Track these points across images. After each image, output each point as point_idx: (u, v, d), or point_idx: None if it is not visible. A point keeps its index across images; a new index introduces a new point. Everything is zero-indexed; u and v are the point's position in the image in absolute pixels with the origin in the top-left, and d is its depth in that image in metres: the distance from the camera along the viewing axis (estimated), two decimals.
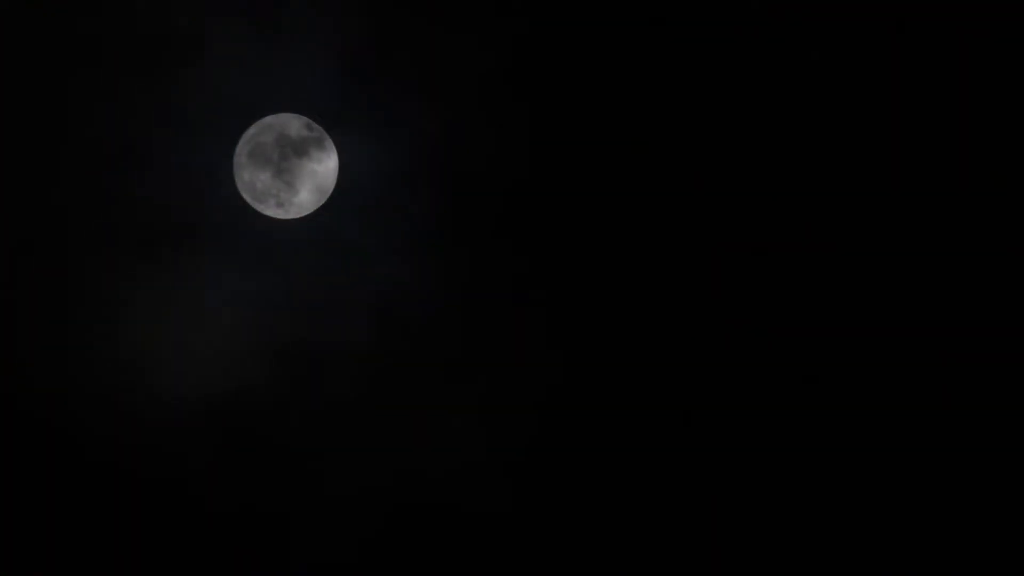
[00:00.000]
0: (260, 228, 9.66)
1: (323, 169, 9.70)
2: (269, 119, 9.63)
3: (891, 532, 9.49)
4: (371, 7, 9.57)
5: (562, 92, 9.71)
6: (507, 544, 9.51)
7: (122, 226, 9.57)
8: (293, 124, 9.65)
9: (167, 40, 9.50)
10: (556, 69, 9.70)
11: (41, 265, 9.50)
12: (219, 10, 9.48)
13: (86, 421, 9.52)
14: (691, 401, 9.60)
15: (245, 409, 9.65)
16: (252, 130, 9.62)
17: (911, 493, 9.51)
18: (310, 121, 9.67)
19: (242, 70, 9.50)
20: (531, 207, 9.70)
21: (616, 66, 9.58)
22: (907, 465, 9.51)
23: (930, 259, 9.62)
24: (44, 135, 9.50)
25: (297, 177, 9.65)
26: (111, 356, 9.59)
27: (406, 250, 9.68)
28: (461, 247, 9.68)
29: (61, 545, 9.44)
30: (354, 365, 9.72)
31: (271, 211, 9.66)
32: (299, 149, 9.65)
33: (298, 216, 9.69)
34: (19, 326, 9.51)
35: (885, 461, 9.54)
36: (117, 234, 9.56)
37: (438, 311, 9.67)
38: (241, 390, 9.64)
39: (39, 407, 9.48)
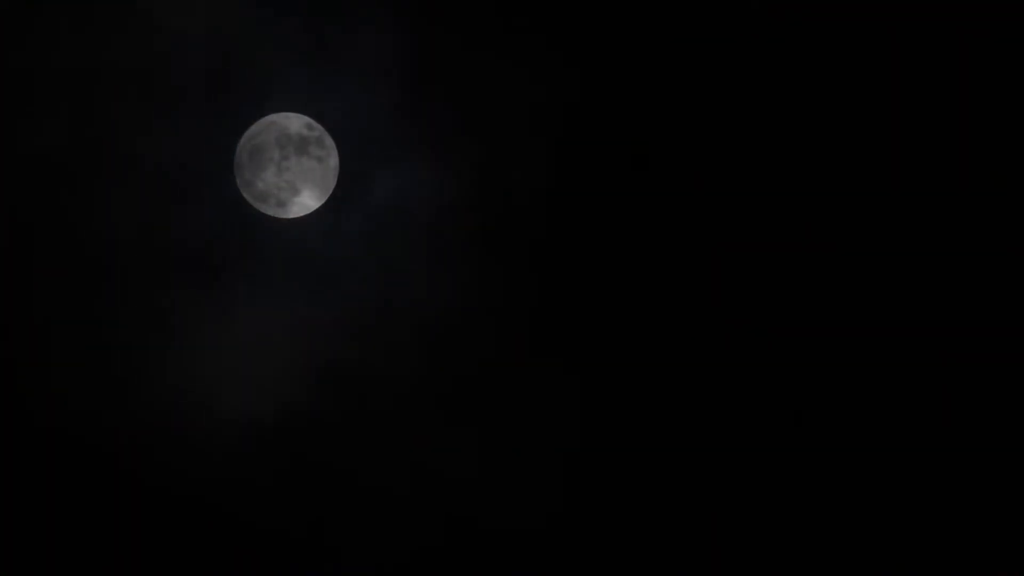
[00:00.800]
0: (261, 228, 9.67)
1: (324, 168, 9.69)
2: (271, 117, 9.64)
3: (892, 532, 9.49)
4: (420, 33, 9.60)
5: (603, 123, 9.72)
6: (543, 557, 9.50)
7: (132, 238, 9.56)
8: (294, 123, 9.65)
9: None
10: (599, 103, 9.72)
11: (56, 281, 9.49)
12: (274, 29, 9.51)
13: (131, 445, 9.50)
14: (712, 411, 9.60)
15: (276, 424, 9.63)
16: (253, 129, 9.62)
17: (913, 493, 9.51)
18: (311, 120, 9.67)
19: (291, 94, 9.53)
20: (561, 228, 9.69)
21: (650, 99, 9.61)
22: (907, 465, 9.51)
23: (930, 259, 9.63)
24: (44, 140, 9.50)
25: (298, 176, 9.65)
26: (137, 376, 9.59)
27: (416, 253, 9.69)
28: (488, 257, 9.69)
29: (109, 567, 9.42)
30: (381, 377, 9.71)
31: (272, 211, 9.65)
32: (300, 148, 9.65)
33: (299, 215, 9.69)
34: (59, 351, 9.51)
35: (888, 461, 9.54)
36: (123, 248, 9.54)
37: (443, 317, 9.68)
38: (269, 404, 9.63)
39: (80, 430, 9.46)
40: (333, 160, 9.70)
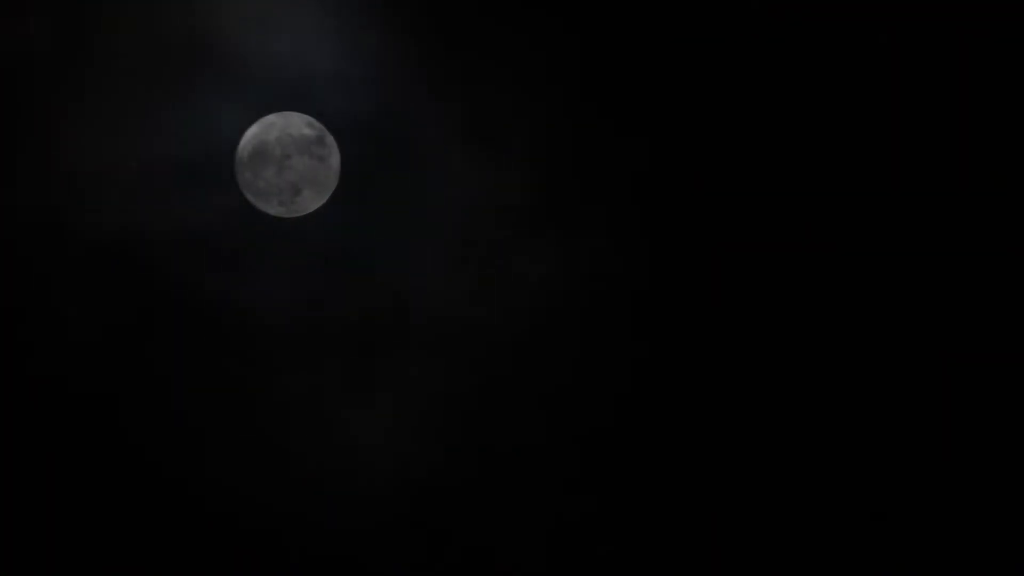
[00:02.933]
0: (262, 228, 9.64)
1: (325, 167, 9.67)
2: (271, 117, 9.60)
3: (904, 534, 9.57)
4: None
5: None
6: None
7: None
8: (295, 122, 9.62)
9: None
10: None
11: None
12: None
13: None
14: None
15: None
16: (254, 128, 9.58)
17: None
18: (312, 119, 9.64)
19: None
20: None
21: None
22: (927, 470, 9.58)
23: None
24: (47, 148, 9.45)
25: (300, 175, 9.61)
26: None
27: (426, 256, 9.70)
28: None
29: None
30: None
31: (273, 210, 9.62)
32: (301, 147, 9.61)
33: (301, 215, 9.67)
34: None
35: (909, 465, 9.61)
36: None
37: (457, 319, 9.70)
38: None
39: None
40: (335, 158, 9.68)
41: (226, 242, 9.53)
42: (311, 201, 9.64)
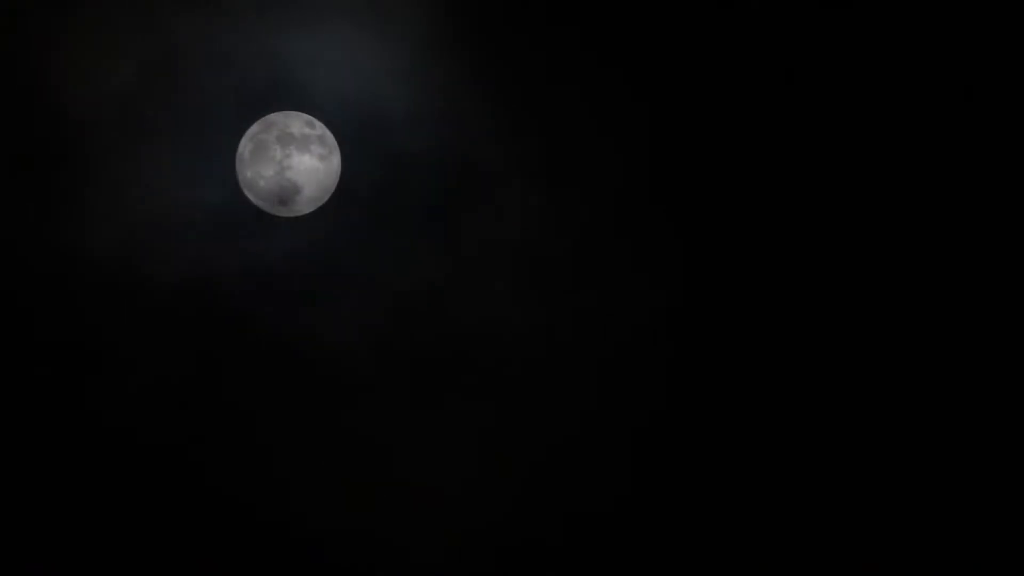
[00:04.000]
0: (263, 226, 9.66)
1: (326, 166, 9.68)
2: (272, 116, 9.62)
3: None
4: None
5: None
6: None
7: None
8: (295, 121, 9.63)
9: None
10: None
11: None
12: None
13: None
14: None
15: None
16: (254, 128, 9.60)
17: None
18: (312, 119, 9.66)
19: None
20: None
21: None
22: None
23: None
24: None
25: (300, 175, 9.63)
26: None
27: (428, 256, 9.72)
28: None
29: None
30: None
31: (273, 209, 9.64)
32: (302, 146, 9.63)
33: (301, 214, 9.69)
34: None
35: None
36: None
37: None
38: None
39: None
40: (335, 157, 9.70)
41: (286, 276, 9.60)
42: (312, 200, 9.66)
